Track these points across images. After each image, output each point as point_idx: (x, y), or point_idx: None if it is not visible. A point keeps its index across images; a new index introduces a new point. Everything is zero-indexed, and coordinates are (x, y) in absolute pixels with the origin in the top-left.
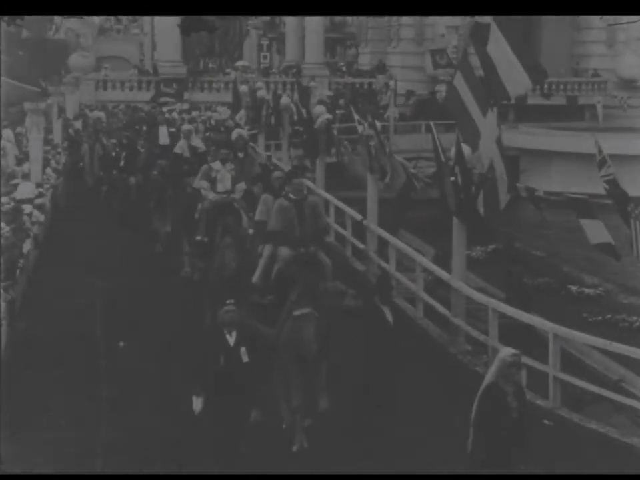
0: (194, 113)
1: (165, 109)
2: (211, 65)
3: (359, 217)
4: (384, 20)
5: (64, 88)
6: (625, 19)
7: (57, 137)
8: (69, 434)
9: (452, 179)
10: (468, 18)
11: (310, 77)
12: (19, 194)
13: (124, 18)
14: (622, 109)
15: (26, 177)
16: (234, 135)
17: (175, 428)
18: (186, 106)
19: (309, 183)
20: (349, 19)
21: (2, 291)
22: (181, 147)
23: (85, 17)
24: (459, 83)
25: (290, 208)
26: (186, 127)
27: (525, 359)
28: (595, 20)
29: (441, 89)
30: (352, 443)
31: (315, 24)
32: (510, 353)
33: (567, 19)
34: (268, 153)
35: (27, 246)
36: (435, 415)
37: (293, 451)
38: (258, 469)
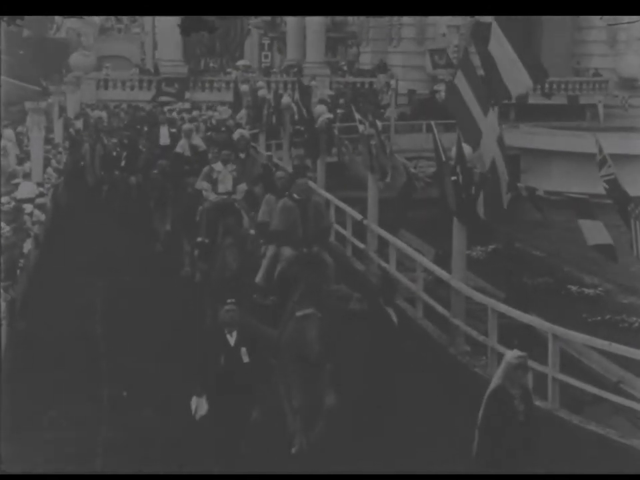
0: (194, 113)
1: (165, 108)
2: (212, 65)
3: (359, 216)
4: (385, 19)
5: (65, 87)
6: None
7: (57, 136)
8: (69, 434)
9: (453, 178)
10: (469, 17)
11: (311, 76)
12: (20, 193)
13: (125, 17)
14: (623, 109)
15: (27, 176)
16: (236, 135)
17: (175, 428)
18: (187, 105)
19: (310, 183)
20: (350, 18)
21: (2, 291)
22: (181, 146)
23: (86, 17)
24: (460, 82)
25: (294, 208)
26: (187, 126)
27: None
28: (596, 19)
29: (440, 89)
30: (351, 443)
31: (316, 23)
32: (516, 355)
33: (568, 18)
34: (269, 153)
35: (28, 246)
36: (434, 416)
37: (292, 452)
38: (258, 469)
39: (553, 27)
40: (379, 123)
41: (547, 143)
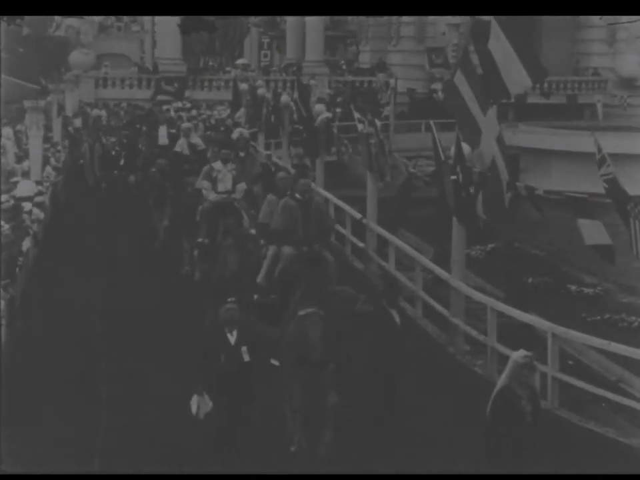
0: (193, 112)
1: (164, 107)
2: (211, 63)
3: (358, 215)
4: (384, 18)
5: (64, 85)
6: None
7: (56, 134)
8: (68, 433)
9: (453, 177)
10: (469, 16)
11: (310, 75)
12: (19, 192)
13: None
14: (622, 108)
15: (26, 174)
16: (235, 134)
17: (175, 428)
18: (187, 104)
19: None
20: (349, 16)
21: (1, 289)
22: (180, 145)
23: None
24: (460, 80)
25: (295, 208)
26: (185, 124)
27: None
28: (596, 18)
29: (438, 87)
30: (351, 443)
31: (315, 22)
32: (522, 355)
33: (568, 17)
34: (268, 152)
35: (27, 244)
36: (433, 415)
37: (291, 451)
38: (258, 469)
39: (553, 26)
40: (378, 122)
41: (546, 142)
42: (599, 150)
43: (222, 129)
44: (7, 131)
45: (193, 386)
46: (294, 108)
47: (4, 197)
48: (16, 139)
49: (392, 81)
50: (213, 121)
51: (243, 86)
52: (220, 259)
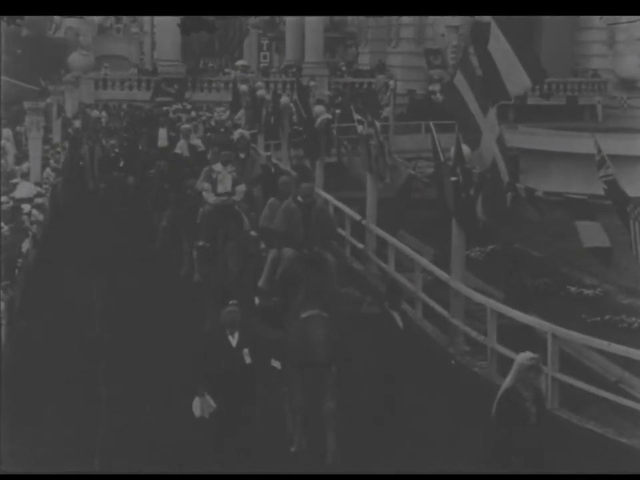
0: (192, 113)
1: (164, 108)
2: (210, 65)
3: (358, 217)
4: (384, 19)
5: (63, 87)
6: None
7: (56, 136)
8: (69, 434)
9: (453, 179)
10: (468, 17)
11: (310, 76)
12: (18, 193)
13: (124, 17)
14: (622, 109)
15: (25, 176)
16: (236, 135)
17: (175, 427)
18: (188, 106)
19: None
20: (349, 18)
21: (1, 291)
22: (180, 147)
23: (85, 16)
24: (460, 81)
25: (296, 210)
26: (185, 126)
27: None
28: (595, 20)
29: (436, 89)
30: (351, 443)
31: (314, 23)
32: (528, 357)
33: (568, 18)
34: (268, 153)
35: (26, 245)
36: (433, 416)
37: (291, 451)
38: (258, 469)
39: (552, 27)
40: (377, 124)
41: (546, 143)
42: (599, 151)
43: (222, 130)
44: (7, 132)
45: (193, 388)
46: (294, 109)
47: (3, 199)
48: (15, 141)
49: (391, 83)
50: (212, 123)
51: (243, 87)
52: (221, 263)
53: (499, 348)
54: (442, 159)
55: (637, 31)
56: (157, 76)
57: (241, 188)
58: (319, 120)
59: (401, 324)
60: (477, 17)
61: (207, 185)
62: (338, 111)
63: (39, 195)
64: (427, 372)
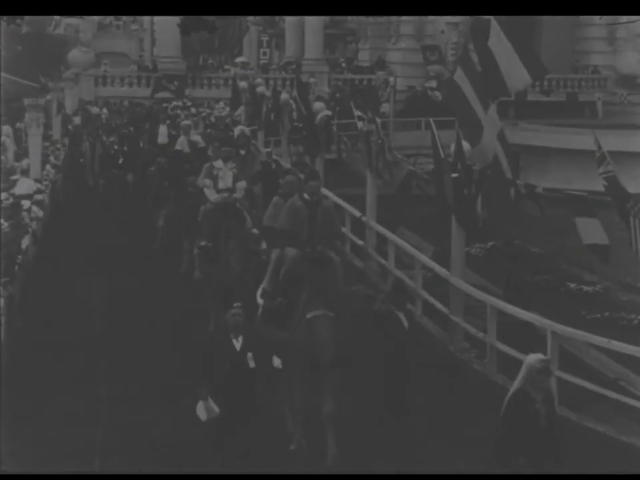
0: (192, 110)
1: (164, 105)
2: (210, 61)
3: (358, 213)
4: (384, 16)
5: (63, 84)
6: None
7: (56, 133)
8: (68, 433)
9: (454, 175)
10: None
11: (309, 73)
12: (18, 190)
13: None
14: (622, 106)
15: (25, 172)
16: (236, 131)
17: (175, 428)
18: (188, 103)
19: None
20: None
21: (1, 287)
22: (180, 143)
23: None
24: (460, 77)
25: (302, 208)
26: (185, 122)
27: (523, 357)
28: (595, 17)
29: (432, 85)
30: (351, 442)
31: (314, 20)
32: (538, 359)
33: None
34: (268, 150)
35: (26, 242)
36: (433, 414)
37: (290, 449)
38: (258, 469)
39: (552, 24)
40: (378, 120)
41: (546, 140)
42: (599, 148)
43: (222, 127)
44: (7, 129)
45: (197, 392)
46: (293, 106)
47: (3, 195)
48: (15, 137)
49: (391, 79)
50: (212, 119)
51: (242, 84)
52: (223, 262)
53: (499, 345)
54: (442, 156)
55: (637, 27)
56: (157, 73)
57: (242, 184)
58: (318, 116)
59: (406, 324)
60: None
61: (208, 182)
62: (337, 109)
63: (38, 191)
64: (426, 370)
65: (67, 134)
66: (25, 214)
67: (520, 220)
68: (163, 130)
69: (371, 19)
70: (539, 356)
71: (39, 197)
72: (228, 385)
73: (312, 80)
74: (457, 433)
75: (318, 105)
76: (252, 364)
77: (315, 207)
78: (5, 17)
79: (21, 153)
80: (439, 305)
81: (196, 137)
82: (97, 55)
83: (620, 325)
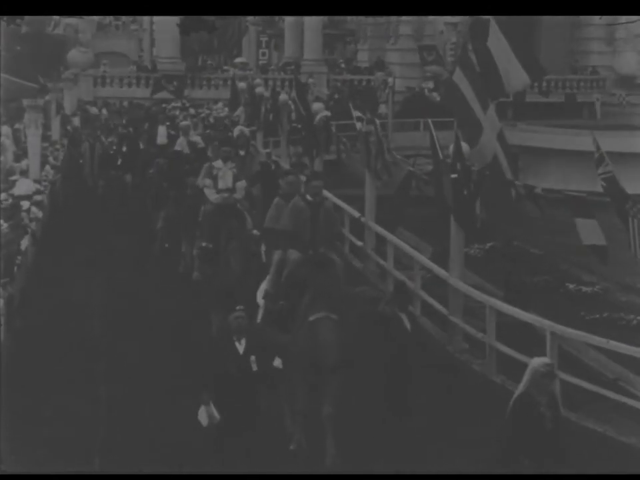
0: (191, 110)
1: (164, 105)
2: (209, 62)
3: (356, 214)
4: (383, 17)
5: (62, 84)
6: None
7: (55, 133)
8: (68, 433)
9: (453, 176)
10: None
11: (308, 73)
12: (17, 190)
13: None
14: (621, 106)
15: (24, 173)
16: (236, 132)
17: (175, 428)
18: (187, 104)
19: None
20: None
21: (0, 288)
22: (180, 144)
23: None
24: (459, 78)
25: (305, 209)
26: (184, 122)
27: (522, 357)
28: (595, 17)
29: (429, 86)
30: (351, 442)
31: (313, 21)
32: (543, 363)
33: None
34: (267, 150)
35: (25, 242)
36: (432, 414)
37: (290, 449)
38: (258, 469)
39: (551, 24)
40: (377, 121)
41: (545, 141)
42: (598, 148)
43: (221, 128)
44: (6, 129)
45: (199, 396)
46: (292, 107)
47: (3, 196)
48: (14, 138)
49: (390, 80)
50: (211, 120)
51: (241, 85)
52: (223, 263)
53: (498, 345)
54: (440, 156)
55: (636, 28)
56: (156, 73)
57: (242, 184)
58: (317, 117)
59: (408, 325)
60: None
61: (208, 181)
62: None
63: (38, 192)
64: (426, 370)
65: (66, 134)
66: (24, 215)
67: (519, 221)
68: (162, 130)
69: (370, 19)
70: (544, 360)
71: (38, 197)
72: (231, 388)
73: (311, 80)
74: (456, 434)
75: (317, 106)
76: (255, 367)
77: (317, 207)
78: (5, 17)
79: (20, 154)
80: (438, 306)
81: (195, 138)
82: (96, 55)
83: (619, 326)
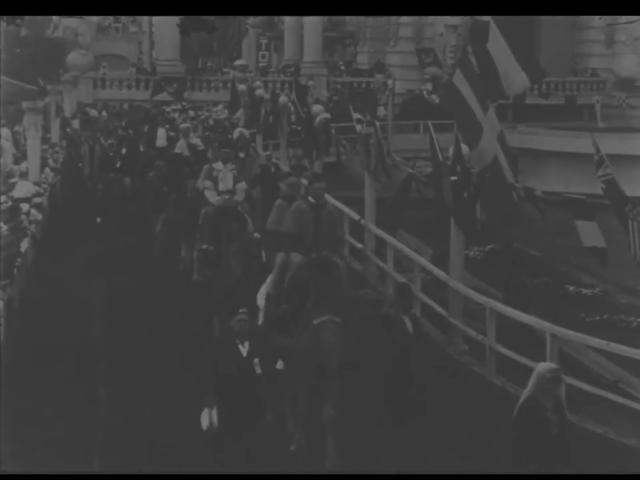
0: (191, 113)
1: (163, 107)
2: (209, 64)
3: (356, 216)
4: (383, 19)
5: (62, 86)
6: (624, 19)
7: (54, 135)
8: (68, 434)
9: (453, 178)
10: (467, 17)
11: (308, 75)
12: (17, 192)
13: (123, 16)
14: (620, 109)
15: (24, 175)
16: (236, 134)
17: (175, 428)
18: (187, 106)
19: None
20: (348, 17)
21: (0, 290)
22: (180, 147)
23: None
24: (459, 80)
25: (307, 211)
26: (183, 125)
27: (522, 360)
28: (595, 19)
29: (428, 88)
30: (351, 442)
31: (313, 23)
32: (549, 368)
33: (567, 17)
34: (267, 153)
35: (25, 245)
36: (432, 416)
37: (291, 450)
38: (258, 469)
39: (551, 26)
40: (377, 123)
41: (545, 143)
42: (597, 151)
43: (220, 130)
44: (5, 131)
45: (203, 399)
46: (292, 109)
47: (2, 198)
48: (14, 140)
49: (390, 82)
50: (211, 122)
51: (241, 87)
52: (224, 265)
53: (498, 347)
54: (440, 159)
55: (635, 30)
56: (156, 75)
57: (242, 186)
58: (317, 119)
59: (411, 328)
60: (476, 16)
61: (208, 183)
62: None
63: (37, 194)
64: (426, 372)
65: (66, 137)
66: (23, 217)
67: (519, 223)
68: (161, 133)
69: (369, 21)
70: (550, 365)
71: (37, 199)
72: (234, 390)
73: (310, 83)
74: (455, 435)
75: (317, 108)
76: (258, 370)
77: (319, 210)
78: (5, 17)
79: (20, 156)
80: (438, 308)
81: (195, 140)
82: (96, 58)
83: (619, 328)
